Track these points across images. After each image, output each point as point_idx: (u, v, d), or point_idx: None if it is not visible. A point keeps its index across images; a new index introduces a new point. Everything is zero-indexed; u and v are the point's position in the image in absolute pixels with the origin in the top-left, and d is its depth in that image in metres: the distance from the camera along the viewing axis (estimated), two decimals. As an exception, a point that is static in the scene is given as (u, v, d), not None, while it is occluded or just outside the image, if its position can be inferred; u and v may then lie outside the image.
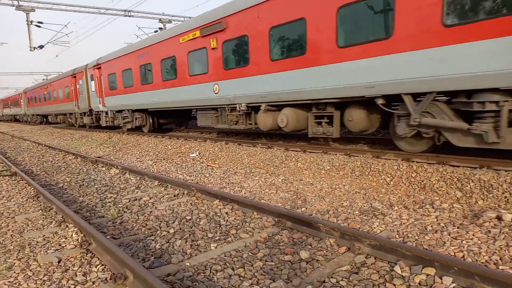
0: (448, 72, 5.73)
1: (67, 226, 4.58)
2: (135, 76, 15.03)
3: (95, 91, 18.69)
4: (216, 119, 11.58)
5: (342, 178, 6.50)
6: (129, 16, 22.22)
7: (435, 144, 6.54)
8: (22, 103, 32.03)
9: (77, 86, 20.83)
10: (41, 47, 21.57)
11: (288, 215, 4.17)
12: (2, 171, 9.11)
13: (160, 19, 22.22)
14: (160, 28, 21.68)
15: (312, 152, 8.20)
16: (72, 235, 4.27)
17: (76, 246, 3.96)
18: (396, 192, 5.46)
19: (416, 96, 6.49)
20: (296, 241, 3.76)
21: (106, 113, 18.40)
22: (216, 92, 10.70)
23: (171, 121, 16.90)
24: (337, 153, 7.78)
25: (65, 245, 4.00)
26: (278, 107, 9.25)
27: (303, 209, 4.88)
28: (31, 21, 19.70)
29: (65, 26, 21.62)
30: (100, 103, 18.28)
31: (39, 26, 20.26)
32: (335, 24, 7.24)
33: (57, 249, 3.90)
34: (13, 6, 19.39)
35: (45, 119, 31.79)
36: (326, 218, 4.44)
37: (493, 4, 5.21)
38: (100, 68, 17.97)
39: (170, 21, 22.85)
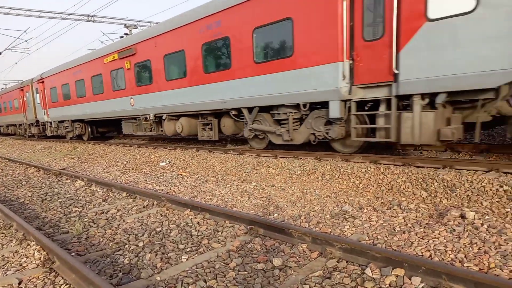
0: (261, 93, 8.58)
1: (28, 244, 4.33)
2: (72, 90, 17.24)
3: (40, 103, 20.65)
4: (136, 127, 13.96)
5: (313, 182, 6.57)
6: (93, 21, 21.56)
7: (272, 143, 9.25)
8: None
9: (25, 99, 22.69)
10: (-2, 54, 20.48)
11: (260, 222, 4.15)
12: (-45, 187, 8.53)
13: (125, 25, 21.69)
14: (126, 34, 21.18)
15: (284, 157, 8.25)
16: (34, 253, 4.04)
17: (38, 265, 3.75)
18: (365, 194, 5.57)
19: (251, 110, 9.12)
20: (269, 248, 3.74)
21: (51, 123, 20.34)
22: (132, 105, 13.20)
23: (110, 129, 18.99)
24: (308, 158, 7.87)
25: (27, 265, 3.78)
26: (177, 116, 11.66)
27: (275, 215, 4.88)
28: (-14, 28, 18.63)
29: (24, 32, 20.67)
30: (44, 114, 20.31)
31: (-5, 33, 19.21)
32: (201, 56, 10.04)
33: (18, 270, 3.67)
34: (-34, 11, 18.35)
35: None
36: (298, 223, 4.46)
37: (271, 52, 8.25)
38: (43, 82, 20.00)
39: (136, 27, 22.38)
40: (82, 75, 16.07)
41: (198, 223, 4.73)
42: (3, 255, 4.10)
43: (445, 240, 3.51)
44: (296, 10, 7.54)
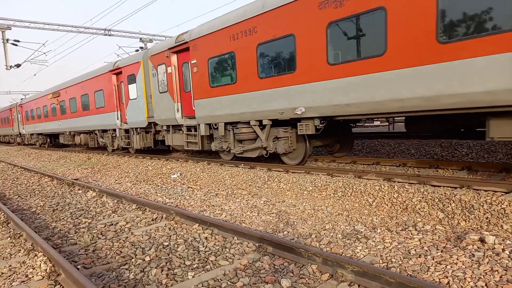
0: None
1: (35, 255, 4.30)
2: (36, 113, 25.25)
3: (20, 121, 29.82)
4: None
5: (325, 199, 6.43)
6: (109, 35, 22.08)
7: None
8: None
9: (12, 117, 32.44)
10: (18, 65, 21.12)
11: (269, 240, 4.03)
12: (-29, 195, 8.67)
13: (141, 38, 22.18)
14: (141, 48, 21.61)
15: (295, 172, 8.13)
16: (40, 264, 4.01)
17: (44, 277, 3.71)
18: (378, 213, 5.40)
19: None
20: (278, 267, 3.61)
21: (29, 135, 28.99)
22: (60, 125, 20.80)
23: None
24: (320, 173, 7.73)
25: (32, 276, 3.74)
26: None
27: (285, 232, 4.75)
28: (7, 40, 19.32)
29: (43, 45, 21.30)
30: (23, 128, 29.50)
31: (16, 45, 19.87)
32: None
33: (23, 281, 3.64)
34: (-11, 24, 19.04)
35: None
36: (309, 242, 4.32)
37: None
38: (21, 106, 28.95)
39: (151, 40, 22.84)
40: (43, 102, 23.12)
41: (206, 238, 4.64)
42: (11, 265, 4.08)
43: (464, 266, 3.33)
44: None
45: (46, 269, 3.87)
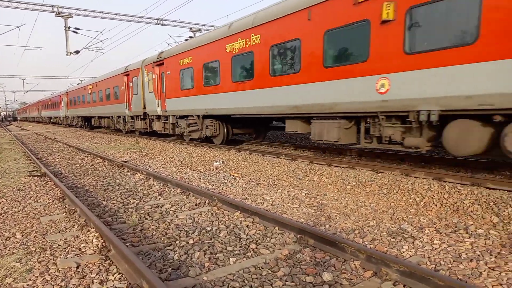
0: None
1: (88, 231, 4.59)
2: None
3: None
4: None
5: (369, 195, 6.25)
6: (161, 25, 22.76)
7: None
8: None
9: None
10: (77, 52, 22.42)
11: (311, 232, 4.00)
12: (32, 171, 9.41)
13: (191, 28, 22.64)
14: (191, 37, 22.05)
15: (338, 166, 7.97)
16: (92, 240, 4.27)
17: (95, 251, 3.95)
18: (426, 213, 5.17)
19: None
20: (319, 261, 3.58)
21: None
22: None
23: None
24: (364, 169, 7.53)
25: (85, 250, 4.00)
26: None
27: (326, 226, 4.69)
28: (69, 27, 20.53)
29: (100, 33, 22.40)
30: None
31: (76, 32, 21.07)
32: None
33: (77, 254, 3.90)
34: (53, 12, 20.29)
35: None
36: (351, 238, 4.24)
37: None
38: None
39: (200, 30, 23.25)
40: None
41: (247, 226, 4.70)
42: (66, 239, 4.39)
43: (521, 275, 3.10)
44: None
45: (98, 244, 4.12)
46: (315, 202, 5.92)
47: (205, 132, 13.11)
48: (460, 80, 5.65)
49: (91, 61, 29.13)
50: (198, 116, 13.15)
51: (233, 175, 8.50)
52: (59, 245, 4.18)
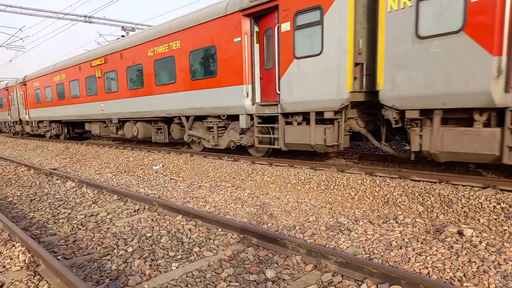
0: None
1: (13, 245, 4.17)
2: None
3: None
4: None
5: (308, 192, 6.49)
6: (90, 22, 21.45)
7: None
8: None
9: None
10: (-7, 51, 20.30)
11: (253, 231, 4.04)
12: None
13: (123, 27, 21.60)
14: (123, 36, 21.06)
15: (279, 166, 8.16)
16: (18, 255, 3.89)
17: (22, 267, 3.60)
18: (361, 206, 5.49)
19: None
20: (262, 258, 3.63)
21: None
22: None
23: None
24: (303, 167, 7.79)
25: (10, 267, 3.63)
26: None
27: (269, 224, 4.77)
28: (-17, 24, 18.48)
29: (20, 30, 20.50)
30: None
31: (-9, 29, 19.04)
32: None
33: (1, 272, 3.53)
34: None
35: None
36: (293, 234, 4.36)
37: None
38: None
39: (133, 29, 22.31)
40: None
41: (190, 229, 4.61)
42: (-14, 256, 3.94)
43: (443, 257, 3.43)
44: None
45: (25, 259, 3.77)
46: (257, 201, 6.00)
47: (52, 131, 19.55)
48: None
49: (10, 61, 26.58)
50: (49, 121, 19.27)
51: (174, 179, 8.30)
52: (-23, 264, 3.74)
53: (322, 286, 3.02)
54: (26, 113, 22.07)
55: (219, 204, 5.89)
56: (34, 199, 6.72)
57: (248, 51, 8.49)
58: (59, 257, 3.83)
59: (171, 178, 8.37)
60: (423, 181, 6.00)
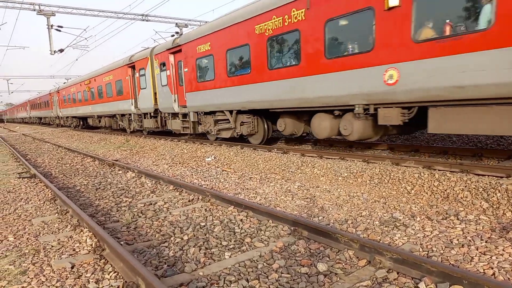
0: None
1: (81, 231, 4.56)
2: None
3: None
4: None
5: (360, 185, 6.32)
6: (146, 21, 22.47)
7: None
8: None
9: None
10: (61, 50, 22.04)
11: (304, 224, 4.03)
12: (22, 172, 9.27)
13: (176, 23, 22.39)
14: (177, 32, 21.81)
15: (329, 158, 8.03)
16: (86, 239, 4.24)
17: (89, 251, 3.92)
18: (417, 201, 5.24)
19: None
20: (313, 252, 3.62)
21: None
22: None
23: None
24: (355, 160, 7.59)
25: (79, 250, 3.97)
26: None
27: (320, 217, 4.73)
28: (52, 25, 20.14)
29: (84, 30, 22.03)
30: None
31: (59, 30, 20.67)
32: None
33: (71, 254, 3.87)
34: (34, 10, 19.87)
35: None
36: (345, 228, 4.28)
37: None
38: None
39: (186, 25, 23.04)
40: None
41: (241, 220, 4.71)
42: (59, 239, 4.35)
43: (510, 258, 3.18)
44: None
45: (92, 244, 4.10)
46: (307, 194, 5.96)
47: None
48: None
49: (76, 59, 28.67)
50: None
51: (226, 170, 8.50)
52: (52, 246, 4.14)
53: (376, 282, 2.95)
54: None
55: (269, 196, 5.94)
56: (99, 188, 7.27)
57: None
58: (122, 243, 4.12)
59: (223, 170, 8.58)
60: (488, 175, 5.57)
